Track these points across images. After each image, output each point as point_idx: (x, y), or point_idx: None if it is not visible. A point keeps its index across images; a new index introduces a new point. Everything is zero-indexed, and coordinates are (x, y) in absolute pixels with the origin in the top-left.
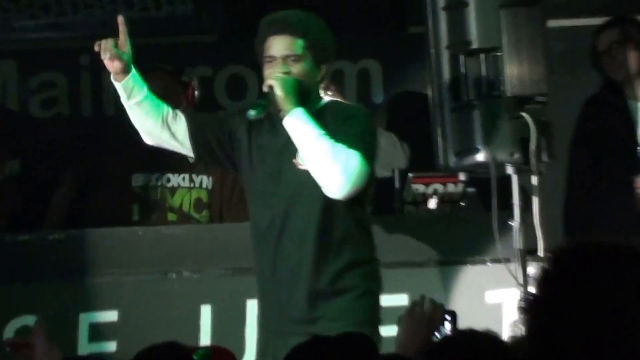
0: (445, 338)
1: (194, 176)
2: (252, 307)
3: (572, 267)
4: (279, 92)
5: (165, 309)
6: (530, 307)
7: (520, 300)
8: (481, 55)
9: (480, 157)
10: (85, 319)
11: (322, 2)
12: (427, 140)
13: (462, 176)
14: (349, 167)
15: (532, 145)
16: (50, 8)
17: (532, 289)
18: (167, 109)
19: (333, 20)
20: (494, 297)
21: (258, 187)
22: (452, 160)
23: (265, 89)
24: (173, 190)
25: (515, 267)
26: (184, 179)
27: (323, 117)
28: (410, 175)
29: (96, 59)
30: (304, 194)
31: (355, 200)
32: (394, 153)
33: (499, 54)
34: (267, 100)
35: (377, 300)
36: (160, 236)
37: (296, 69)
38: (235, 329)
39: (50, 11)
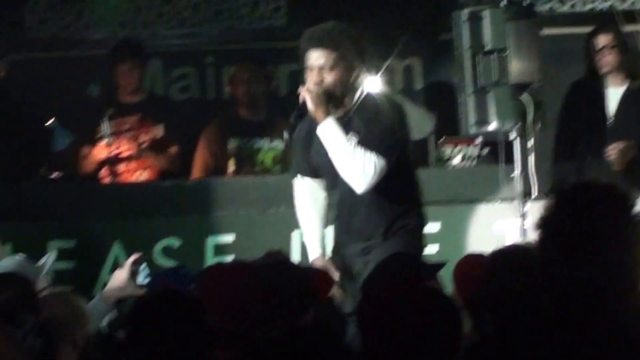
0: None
1: (272, 139)
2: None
3: (569, 196)
4: (310, 105)
5: (267, 233)
6: (542, 223)
7: (537, 219)
8: (493, 54)
9: (492, 126)
10: (211, 241)
11: (379, 17)
12: (454, 115)
13: (478, 140)
14: (366, 172)
15: (529, 118)
16: (185, 21)
17: (532, 218)
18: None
19: (388, 30)
20: (500, 226)
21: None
22: (472, 128)
23: (300, 99)
24: (258, 150)
25: (516, 204)
26: (264, 141)
27: (357, 112)
28: (442, 138)
29: (219, 58)
30: None
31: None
32: (423, 122)
33: (506, 53)
34: (302, 109)
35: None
36: (264, 182)
37: (330, 76)
38: None
39: (185, 24)
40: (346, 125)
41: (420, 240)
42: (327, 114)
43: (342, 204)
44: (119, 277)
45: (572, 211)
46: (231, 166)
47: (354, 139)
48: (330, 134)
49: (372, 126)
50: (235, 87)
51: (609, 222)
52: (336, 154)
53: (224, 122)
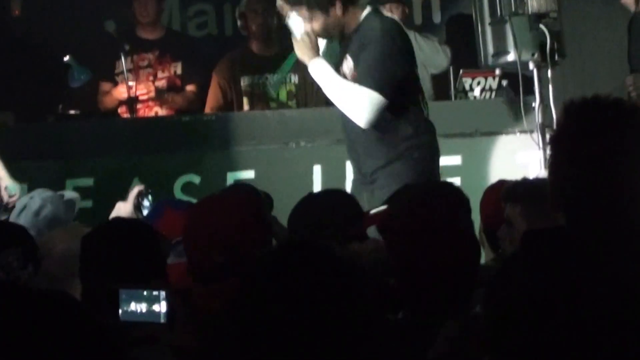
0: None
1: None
2: (349, 167)
3: (577, 111)
4: (298, 53)
5: (288, 168)
6: (551, 141)
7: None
8: None
9: (511, 57)
10: (231, 176)
11: None
12: (472, 46)
13: (497, 71)
14: (361, 107)
15: (548, 48)
16: None
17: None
18: None
19: None
20: (521, 157)
21: None
22: (490, 60)
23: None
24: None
25: (537, 135)
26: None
27: (353, 40)
28: (461, 71)
29: None
30: None
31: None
32: (437, 56)
33: None
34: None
35: None
36: (283, 117)
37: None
38: (337, 181)
39: None
40: (345, 48)
41: (427, 168)
42: (314, 56)
43: (346, 138)
44: (122, 210)
45: (580, 125)
46: (245, 104)
47: (350, 61)
48: (320, 73)
49: (366, 55)
50: (249, 21)
51: (617, 135)
52: (330, 92)
53: (235, 58)
